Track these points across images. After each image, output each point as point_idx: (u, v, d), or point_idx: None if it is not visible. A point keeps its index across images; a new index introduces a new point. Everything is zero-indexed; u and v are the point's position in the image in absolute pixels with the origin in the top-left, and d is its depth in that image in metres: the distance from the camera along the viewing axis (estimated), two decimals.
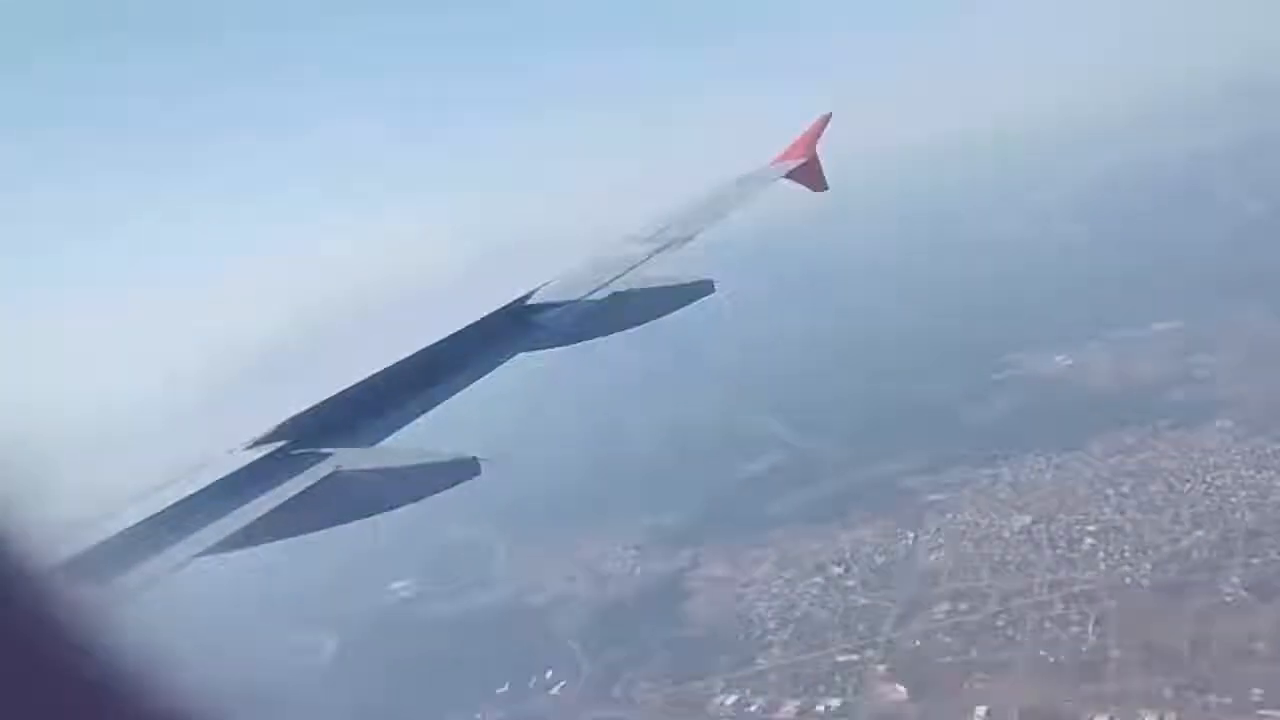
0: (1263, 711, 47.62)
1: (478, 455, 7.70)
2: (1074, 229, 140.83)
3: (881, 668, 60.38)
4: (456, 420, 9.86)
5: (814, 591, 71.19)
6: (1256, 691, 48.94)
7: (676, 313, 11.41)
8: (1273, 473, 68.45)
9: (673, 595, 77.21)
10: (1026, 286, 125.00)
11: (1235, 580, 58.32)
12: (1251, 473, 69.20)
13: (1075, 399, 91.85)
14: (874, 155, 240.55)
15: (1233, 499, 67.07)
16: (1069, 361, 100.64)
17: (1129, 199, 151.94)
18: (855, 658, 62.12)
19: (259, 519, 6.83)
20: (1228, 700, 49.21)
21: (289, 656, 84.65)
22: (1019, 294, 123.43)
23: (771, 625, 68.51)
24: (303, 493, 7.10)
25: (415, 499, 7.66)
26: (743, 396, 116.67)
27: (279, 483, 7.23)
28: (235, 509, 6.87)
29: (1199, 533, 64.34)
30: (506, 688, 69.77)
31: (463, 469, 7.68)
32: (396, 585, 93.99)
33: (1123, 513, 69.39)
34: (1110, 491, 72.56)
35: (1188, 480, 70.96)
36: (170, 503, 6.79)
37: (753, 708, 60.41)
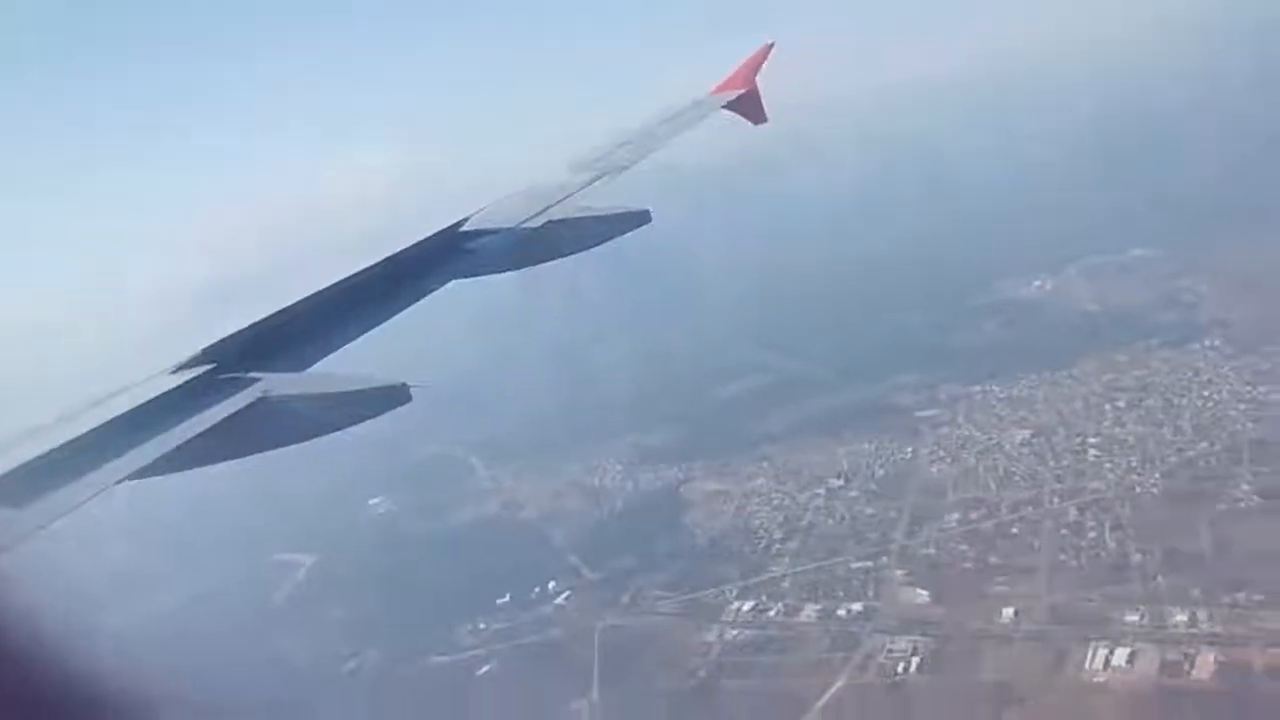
0: None
1: (408, 381, 7.41)
2: (1050, 162, 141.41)
3: (900, 573, 60.35)
4: (398, 347, 9.78)
5: (817, 503, 70.86)
6: None
7: (625, 239, 11.23)
8: (1268, 387, 69.38)
9: (670, 508, 76.37)
10: (1002, 217, 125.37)
11: (1245, 488, 59.13)
12: (1248, 388, 70.11)
13: (1059, 321, 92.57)
14: (851, 93, 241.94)
15: (1231, 412, 67.98)
16: (1048, 286, 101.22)
17: (1105, 136, 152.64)
18: (870, 564, 61.97)
19: (184, 444, 6.64)
20: (1258, 598, 49.83)
21: (270, 576, 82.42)
22: (994, 224, 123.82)
23: (778, 535, 68.07)
24: (229, 418, 6.91)
25: (346, 425, 7.46)
26: (715, 323, 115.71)
27: (205, 408, 7.03)
28: (160, 434, 6.69)
29: (1203, 444, 65.12)
30: (507, 598, 68.35)
31: (393, 395, 7.43)
32: (373, 501, 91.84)
33: (1123, 425, 70.02)
34: (1108, 407, 73.16)
35: (1184, 395, 71.79)
36: (92, 427, 6.64)
37: (771, 612, 60.04)
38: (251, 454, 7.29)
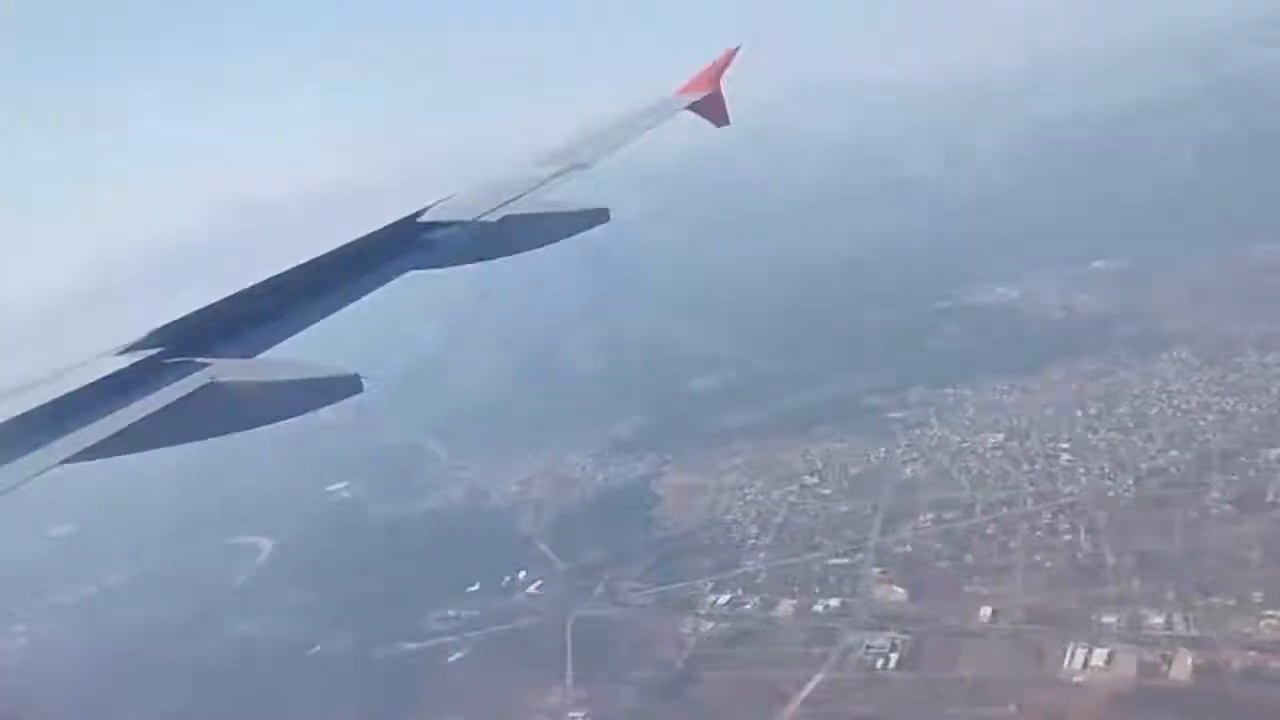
0: (1267, 612, 49.03)
1: (359, 371, 7.23)
2: (1010, 174, 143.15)
3: (876, 570, 60.38)
4: (353, 336, 9.86)
5: (791, 499, 70.82)
6: (1257, 594, 50.35)
7: (589, 235, 11.25)
8: (1235, 399, 70.60)
9: (641, 500, 75.94)
10: (963, 226, 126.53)
11: (1216, 495, 59.93)
12: (1216, 399, 71.26)
13: (1024, 328, 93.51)
14: (811, 94, 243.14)
15: (1201, 422, 68.96)
16: (1014, 293, 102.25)
17: (1063, 149, 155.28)
18: (846, 561, 61.99)
19: (129, 426, 6.50)
20: (1231, 602, 50.51)
21: (227, 560, 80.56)
22: (956, 233, 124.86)
23: (753, 530, 67.88)
24: (176, 402, 6.75)
25: (296, 413, 7.33)
26: (682, 319, 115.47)
27: (151, 391, 6.88)
28: (105, 416, 6.56)
29: (1174, 452, 65.98)
30: (477, 586, 67.42)
31: (343, 385, 7.26)
32: (334, 487, 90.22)
33: (1095, 432, 70.78)
34: (1079, 413, 73.95)
35: (1154, 405, 72.75)
36: (32, 406, 6.50)
37: (747, 606, 59.77)
38: (200, 439, 7.14)
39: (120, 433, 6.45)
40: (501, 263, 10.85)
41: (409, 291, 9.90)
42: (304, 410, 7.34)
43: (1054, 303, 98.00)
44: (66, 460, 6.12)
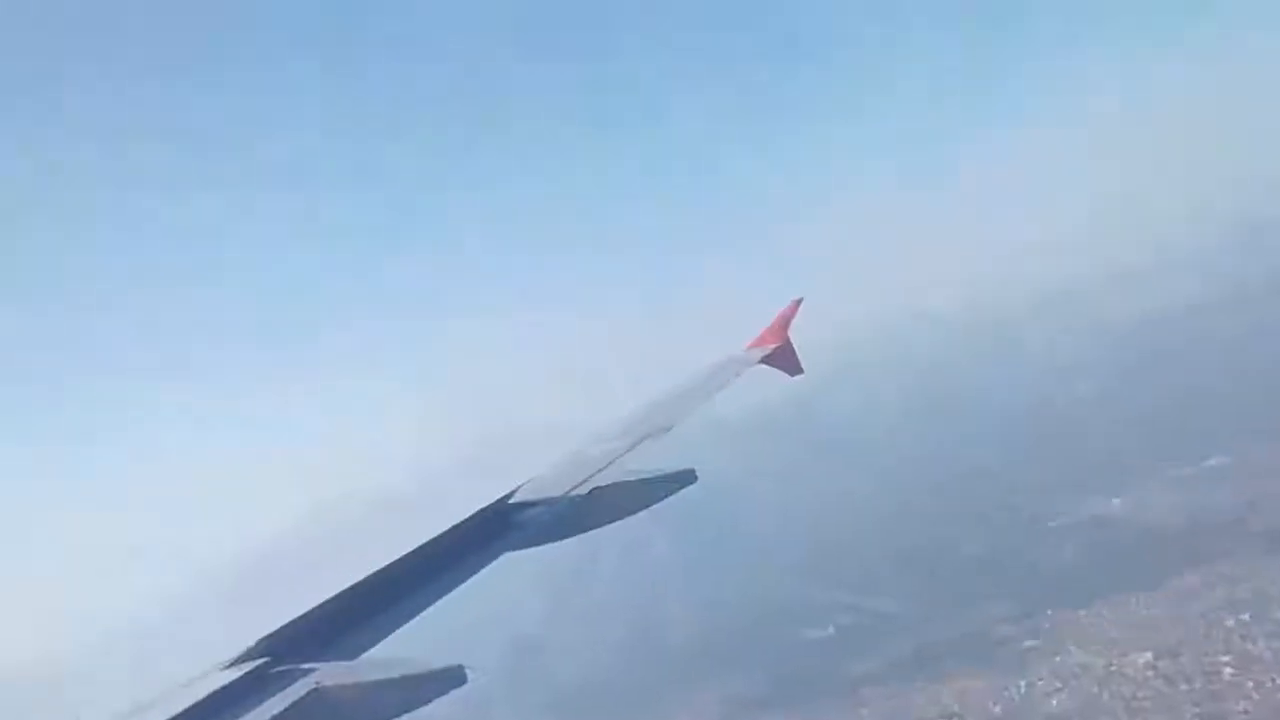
0: None
1: (463, 663, 7.37)
2: (1089, 383, 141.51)
3: None
4: (453, 625, 9.77)
5: None
6: None
7: (677, 497, 11.25)
8: None
9: None
10: (1055, 440, 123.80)
11: None
12: None
13: (1146, 537, 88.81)
14: (880, 327, 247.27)
15: None
16: (1125, 502, 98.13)
17: (1135, 352, 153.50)
18: None
19: None
20: None
21: None
22: (1049, 448, 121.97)
23: None
24: (282, 713, 6.97)
25: (401, 712, 7.37)
26: (784, 567, 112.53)
27: (257, 704, 7.12)
28: None
29: None
30: None
31: (448, 678, 7.37)
32: None
33: (1253, 641, 65.37)
34: (1230, 621, 68.68)
35: None
36: None
37: None
38: None
39: None
40: (597, 534, 10.78)
41: (507, 573, 9.78)
42: (410, 708, 7.33)
43: (1171, 507, 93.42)
44: None
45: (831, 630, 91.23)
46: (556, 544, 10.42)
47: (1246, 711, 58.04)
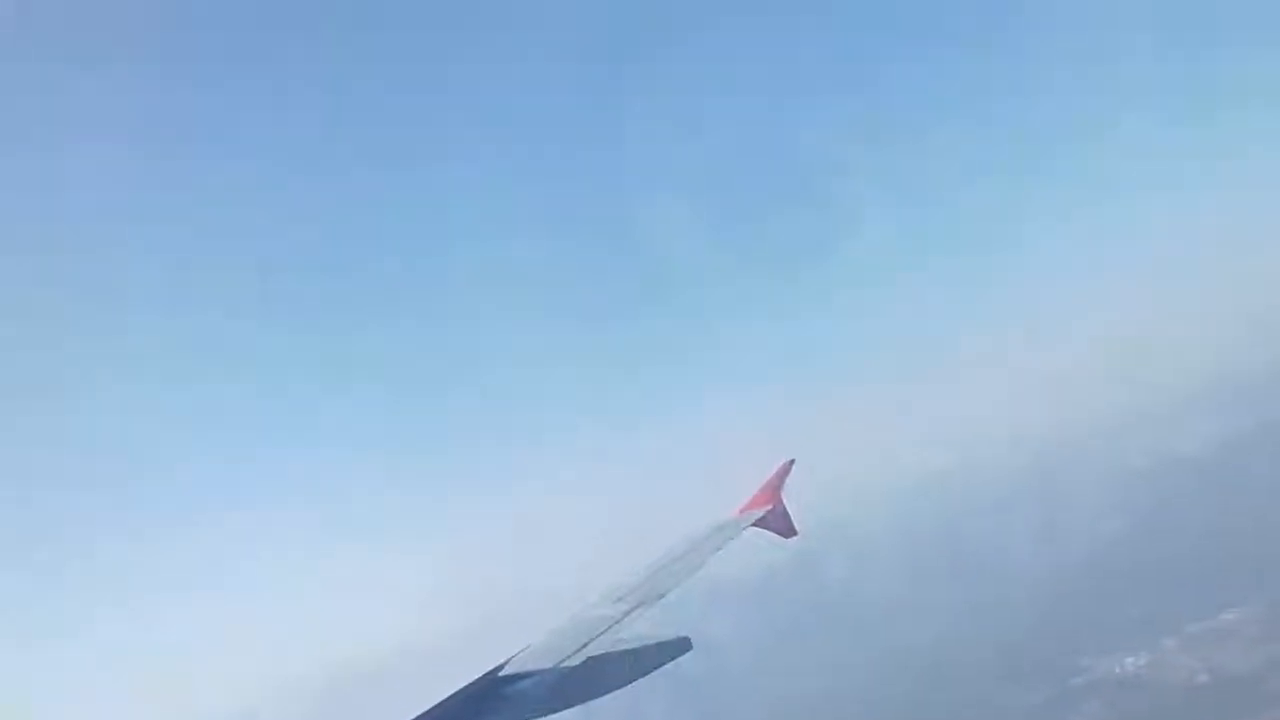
0: None
1: None
2: (1094, 537, 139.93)
3: None
4: None
5: None
6: None
7: (677, 669, 11.26)
8: None
9: None
10: (1066, 598, 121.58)
11: None
12: None
13: (1169, 696, 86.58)
14: (875, 490, 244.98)
15: None
16: (1145, 661, 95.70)
17: (1143, 500, 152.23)
18: None
19: None
20: None
21: None
22: (1058, 608, 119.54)
23: None
24: None
25: None
26: None
27: None
28: None
29: None
30: None
31: None
32: None
33: None
34: None
35: None
36: None
37: None
38: None
39: None
40: (593, 706, 10.54)
41: None
42: None
43: (1192, 665, 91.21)
44: None
45: None
46: (550, 717, 10.14)
47: None
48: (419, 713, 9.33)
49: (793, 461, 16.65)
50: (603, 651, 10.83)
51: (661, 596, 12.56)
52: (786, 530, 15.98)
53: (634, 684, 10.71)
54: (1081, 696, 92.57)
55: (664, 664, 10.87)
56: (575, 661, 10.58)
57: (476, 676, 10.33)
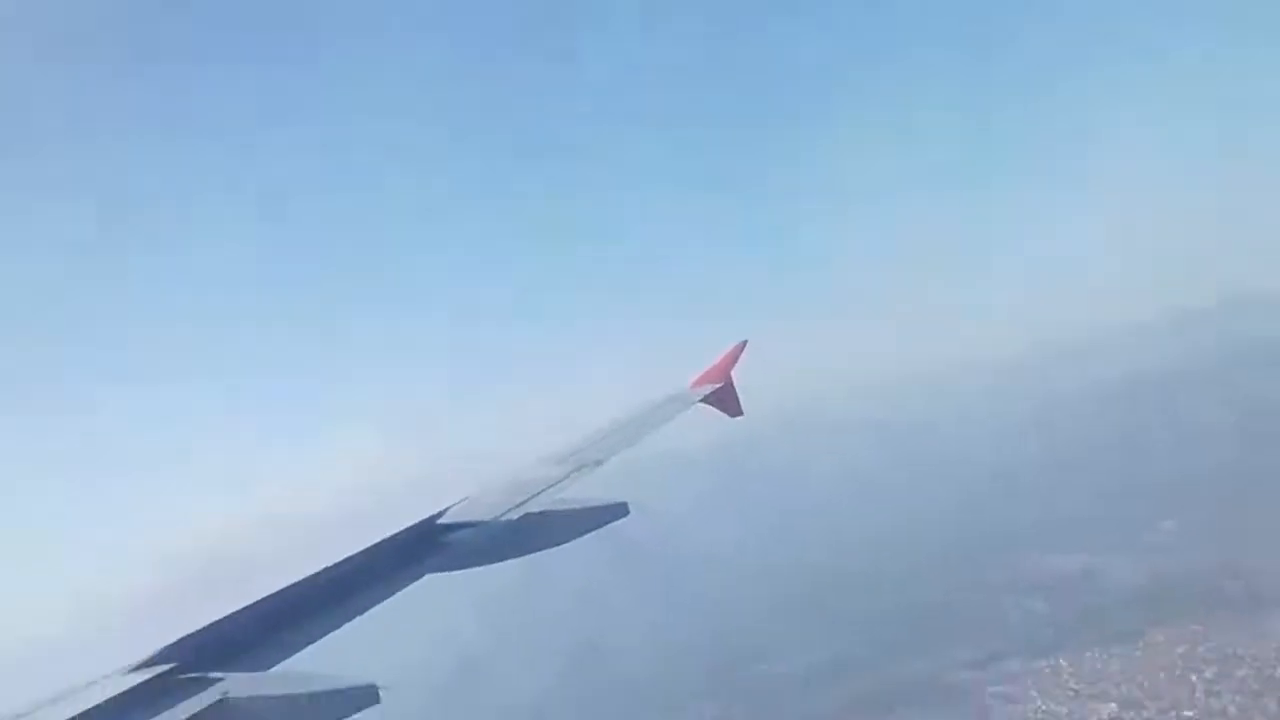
0: None
1: (376, 682, 6.99)
2: (1046, 447, 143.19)
3: None
4: (373, 643, 9.68)
5: None
6: None
7: (623, 533, 11.75)
8: None
9: None
10: (1017, 500, 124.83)
11: None
12: None
13: (1110, 594, 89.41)
14: (858, 386, 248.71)
15: None
16: (1090, 562, 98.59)
17: (1103, 417, 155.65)
18: None
19: None
20: None
21: None
22: (1012, 507, 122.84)
23: None
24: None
25: None
26: (741, 607, 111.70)
27: (161, 709, 6.81)
28: None
29: None
30: None
31: (360, 696, 6.98)
32: None
33: (1218, 696, 65.68)
34: (1194, 678, 69.00)
35: (1278, 665, 67.81)
36: None
37: None
38: None
39: None
40: (535, 561, 10.45)
41: (432, 596, 9.38)
42: None
43: (1134, 567, 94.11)
44: None
45: (791, 667, 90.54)
46: (486, 568, 10.00)
47: None
48: (355, 552, 9.21)
49: (745, 343, 16.83)
50: (541, 510, 10.72)
51: (599, 463, 12.47)
52: (734, 409, 16.25)
53: (575, 543, 10.54)
54: (1023, 592, 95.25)
55: (600, 526, 10.72)
56: (513, 517, 10.47)
57: (413, 522, 10.12)
